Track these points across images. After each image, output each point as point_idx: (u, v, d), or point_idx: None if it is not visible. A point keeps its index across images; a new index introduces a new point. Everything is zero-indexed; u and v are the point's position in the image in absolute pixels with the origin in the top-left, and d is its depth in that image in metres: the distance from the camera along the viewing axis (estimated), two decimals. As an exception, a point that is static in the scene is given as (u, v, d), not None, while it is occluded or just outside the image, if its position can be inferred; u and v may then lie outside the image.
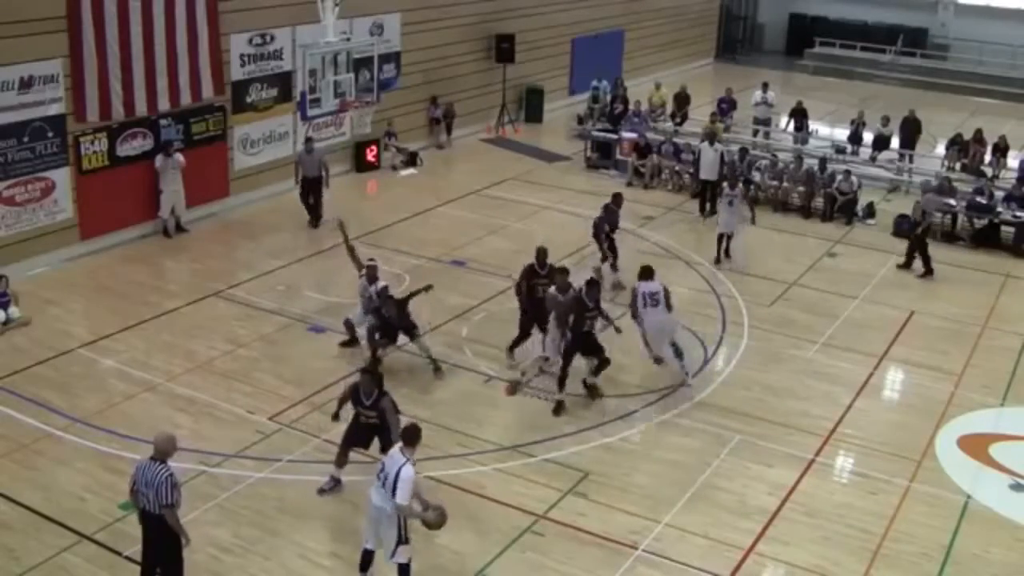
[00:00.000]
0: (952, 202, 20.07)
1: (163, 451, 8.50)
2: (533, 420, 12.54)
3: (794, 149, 23.51)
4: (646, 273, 13.43)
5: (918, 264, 17.86)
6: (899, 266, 18.12)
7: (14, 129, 15.78)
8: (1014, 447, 12.50)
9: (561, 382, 12.68)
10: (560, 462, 11.62)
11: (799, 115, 25.76)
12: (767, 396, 13.38)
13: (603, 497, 11.00)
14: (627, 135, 23.38)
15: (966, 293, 17.30)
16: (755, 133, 25.70)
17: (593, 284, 12.81)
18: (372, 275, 13.48)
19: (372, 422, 10.49)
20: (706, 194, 20.38)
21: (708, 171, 20.27)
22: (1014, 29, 36.58)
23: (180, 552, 8.70)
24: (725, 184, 18.70)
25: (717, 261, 17.84)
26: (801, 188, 21.12)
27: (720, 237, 17.96)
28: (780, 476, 11.55)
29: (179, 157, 17.86)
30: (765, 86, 26.41)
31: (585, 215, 20.13)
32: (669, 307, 13.25)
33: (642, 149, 22.50)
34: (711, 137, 20.66)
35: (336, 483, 10.91)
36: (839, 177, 20.81)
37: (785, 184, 21.20)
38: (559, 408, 12.70)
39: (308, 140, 19.16)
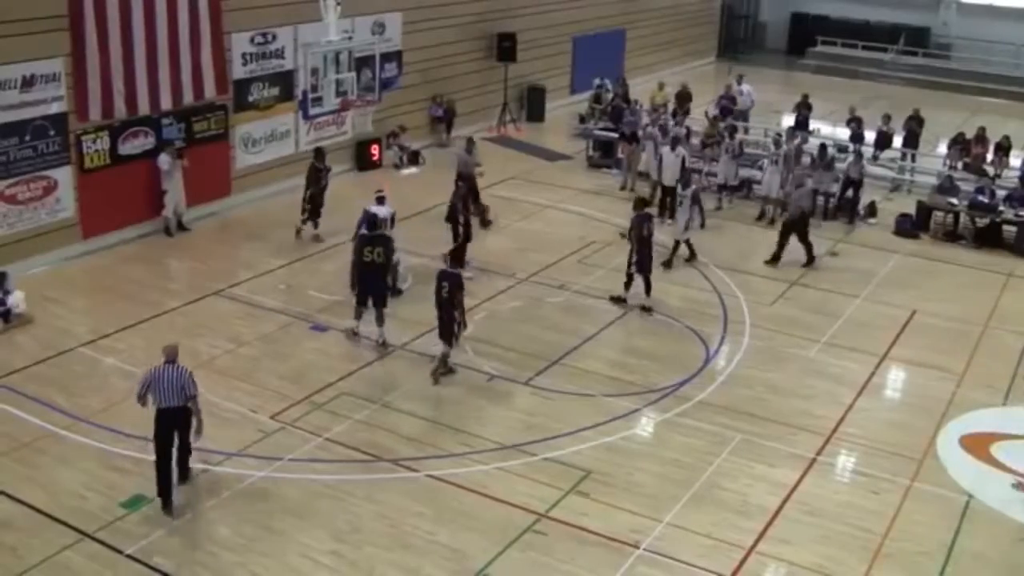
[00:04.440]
0: (954, 200, 20.07)
1: (174, 354, 10.45)
2: (534, 419, 12.54)
3: (795, 147, 23.38)
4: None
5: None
6: (804, 264, 17.88)
7: (16, 128, 15.77)
8: (1016, 446, 12.48)
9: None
10: (562, 461, 11.62)
11: (803, 108, 25.74)
12: (769, 395, 13.38)
13: (605, 496, 10.99)
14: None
15: (968, 292, 17.29)
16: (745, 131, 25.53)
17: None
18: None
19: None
20: (666, 200, 19.71)
21: (668, 176, 19.60)
22: (1016, 28, 36.53)
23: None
24: (679, 185, 18.55)
25: (667, 264, 17.40)
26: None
27: (675, 244, 17.64)
28: (782, 475, 11.55)
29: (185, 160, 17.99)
30: (740, 78, 26.43)
31: (586, 214, 20.18)
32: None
33: (628, 138, 22.33)
34: (674, 141, 20.22)
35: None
36: (849, 159, 20.55)
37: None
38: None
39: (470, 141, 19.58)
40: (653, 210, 19.09)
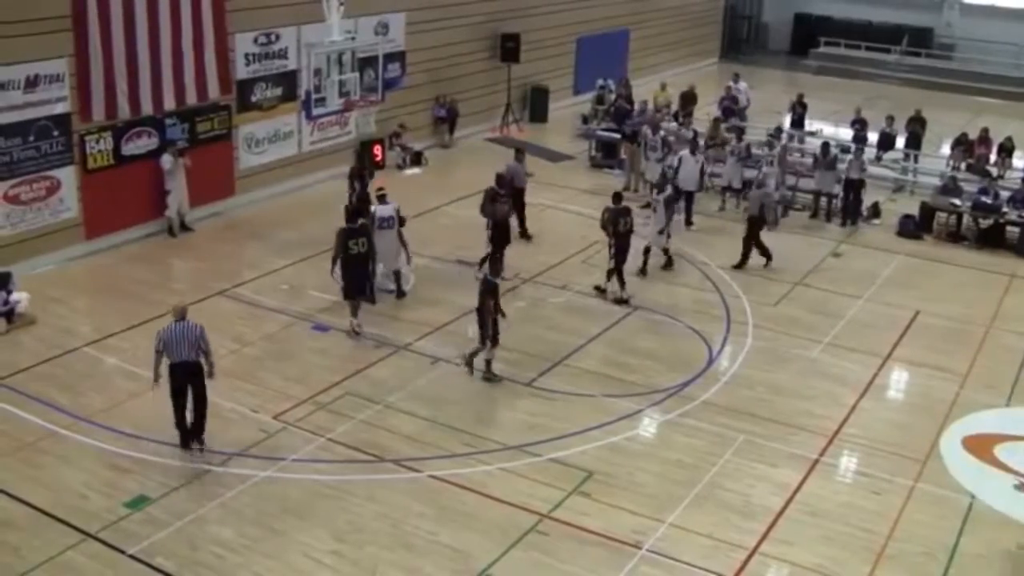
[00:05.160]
0: (957, 201, 20.06)
1: (184, 312, 11.21)
2: (537, 420, 12.55)
3: (781, 148, 23.28)
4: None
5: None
6: (735, 266, 17.62)
7: (19, 128, 15.80)
8: (1019, 447, 12.47)
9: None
10: (564, 462, 11.63)
11: (798, 106, 25.74)
12: (771, 396, 13.37)
13: (607, 497, 11.00)
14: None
15: (971, 293, 17.28)
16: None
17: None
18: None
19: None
20: (690, 206, 19.61)
21: (688, 181, 19.40)
22: (1019, 28, 36.48)
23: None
24: (654, 190, 17.96)
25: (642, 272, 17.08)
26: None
27: (664, 250, 17.32)
28: (784, 476, 11.55)
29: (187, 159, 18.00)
30: (736, 77, 26.45)
31: (589, 214, 20.16)
32: None
33: (631, 138, 22.29)
34: (693, 146, 20.24)
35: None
36: (849, 158, 20.53)
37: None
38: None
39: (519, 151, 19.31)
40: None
